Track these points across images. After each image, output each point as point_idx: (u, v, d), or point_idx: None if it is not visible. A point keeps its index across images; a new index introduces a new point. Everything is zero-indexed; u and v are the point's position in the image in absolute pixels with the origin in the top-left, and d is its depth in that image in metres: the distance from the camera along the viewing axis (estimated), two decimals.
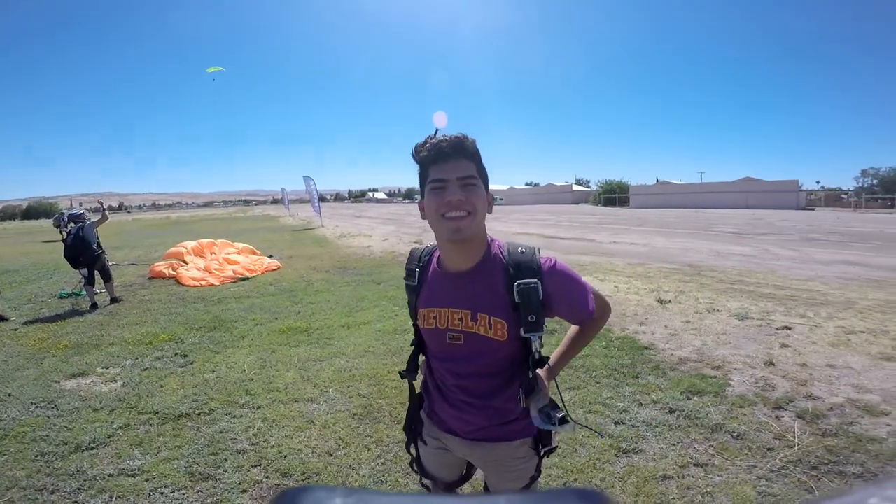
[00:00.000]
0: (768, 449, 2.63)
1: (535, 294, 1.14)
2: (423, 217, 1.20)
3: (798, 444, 2.66)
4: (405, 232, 18.58)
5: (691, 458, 2.58)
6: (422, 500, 0.34)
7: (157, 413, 3.33)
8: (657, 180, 51.28)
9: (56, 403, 3.56)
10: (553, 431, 1.28)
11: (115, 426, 3.16)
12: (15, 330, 5.82)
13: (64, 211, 8.38)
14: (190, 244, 10.42)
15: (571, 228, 18.28)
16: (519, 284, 1.15)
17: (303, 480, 2.55)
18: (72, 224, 7.14)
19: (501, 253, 1.21)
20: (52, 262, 11.89)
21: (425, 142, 1.17)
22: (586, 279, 5.06)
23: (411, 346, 1.39)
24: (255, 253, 10.89)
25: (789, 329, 4.61)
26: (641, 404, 3.20)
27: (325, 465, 2.67)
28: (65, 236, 7.14)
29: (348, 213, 41.38)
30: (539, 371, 1.26)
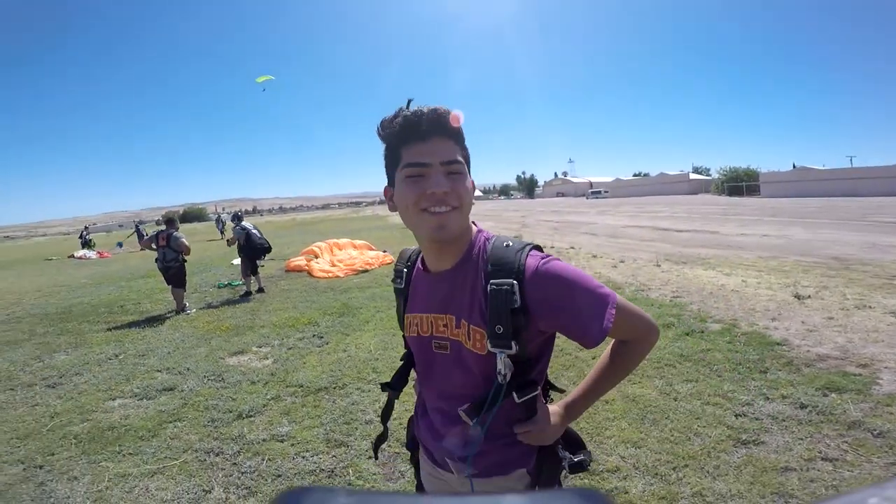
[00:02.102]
0: None
1: (506, 298, 0.89)
2: (393, 209, 1.00)
3: None
4: (504, 227, 18.78)
5: (819, 452, 2.45)
6: (422, 501, 0.34)
7: (301, 386, 3.87)
8: (794, 166, 44.70)
9: (223, 377, 4.26)
10: (563, 473, 1.08)
11: (268, 397, 3.71)
12: (189, 314, 7.11)
13: (219, 213, 10.08)
14: (323, 244, 11.76)
15: (690, 220, 16.88)
16: (491, 285, 0.91)
17: None
18: (231, 224, 8.57)
19: (485, 248, 0.98)
20: (209, 258, 14.13)
21: (395, 115, 0.93)
22: (708, 273, 4.84)
23: (401, 360, 1.20)
24: (371, 248, 11.89)
25: None
26: (768, 398, 3.04)
27: None
28: (223, 236, 8.58)
29: None
30: (554, 407, 1.05)
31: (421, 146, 0.91)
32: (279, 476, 2.64)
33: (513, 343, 0.89)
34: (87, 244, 23.90)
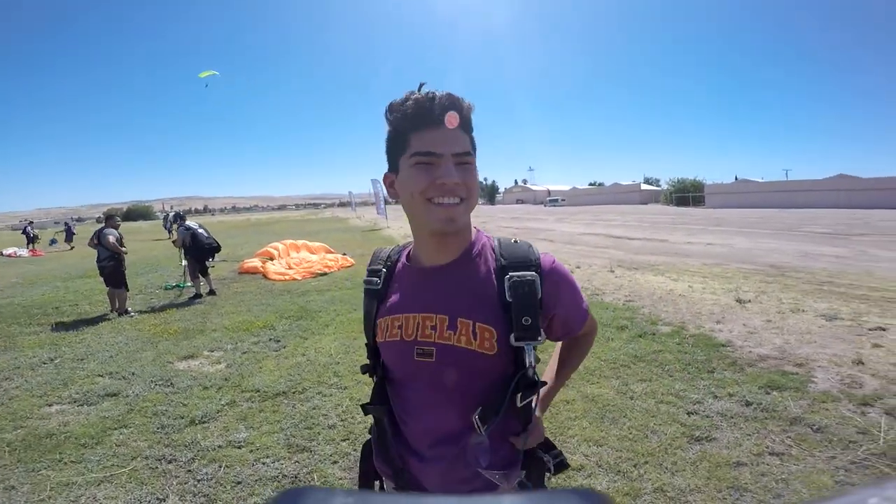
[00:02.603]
0: (850, 442, 2.58)
1: (532, 289, 0.88)
2: (393, 196, 0.96)
3: (884, 439, 2.57)
4: None
5: (767, 447, 2.59)
6: (422, 500, 0.34)
7: (258, 391, 3.73)
8: (736, 178, 47.79)
9: (172, 382, 4.04)
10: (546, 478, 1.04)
11: (222, 402, 3.56)
12: (132, 317, 6.70)
13: (168, 212, 9.64)
14: (281, 246, 11.44)
15: (642, 229, 17.65)
16: (512, 277, 0.89)
17: None
18: (176, 224, 8.21)
19: (491, 244, 0.97)
20: (155, 258, 13.39)
21: (406, 98, 0.87)
22: (658, 279, 5.05)
23: (366, 373, 1.07)
24: (330, 251, 11.65)
25: (884, 330, 4.31)
26: (716, 397, 3.20)
27: None
28: (171, 235, 8.19)
29: None
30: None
31: (434, 134, 0.85)
32: (239, 483, 2.54)
33: (541, 333, 0.89)
34: (32, 240, 22.39)
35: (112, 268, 6.92)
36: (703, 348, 4.10)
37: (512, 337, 0.87)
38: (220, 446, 2.93)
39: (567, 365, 1.13)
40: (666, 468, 2.46)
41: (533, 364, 0.89)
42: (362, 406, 1.06)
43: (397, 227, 23.16)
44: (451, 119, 0.85)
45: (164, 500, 2.42)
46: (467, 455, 0.91)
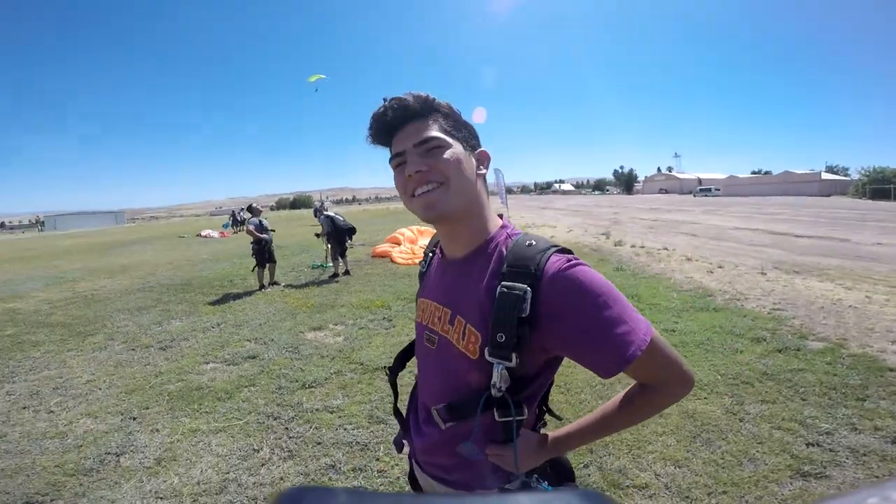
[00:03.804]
0: None
1: (515, 304, 0.79)
2: None
3: None
4: (591, 224, 17.85)
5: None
6: (422, 500, 0.34)
7: (361, 364, 4.11)
8: None
9: (298, 349, 4.69)
10: None
11: (331, 371, 4.03)
12: (283, 291, 7.86)
13: (316, 204, 11.29)
14: (408, 232, 12.31)
15: (815, 224, 14.74)
16: (502, 287, 0.81)
17: None
18: (321, 214, 9.58)
19: (506, 244, 0.89)
20: (308, 242, 15.37)
21: (373, 115, 0.92)
22: (824, 286, 4.30)
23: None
24: None
25: None
26: (856, 429, 2.66)
27: None
28: (321, 224, 9.52)
29: (534, 204, 41.83)
30: (538, 434, 0.94)
31: (396, 136, 0.89)
32: (319, 444, 2.86)
33: (514, 355, 0.79)
34: (239, 223, 27.86)
35: (256, 250, 8.24)
36: (862, 371, 3.34)
37: (486, 350, 0.82)
38: (317, 409, 3.33)
39: (613, 416, 0.90)
40: (745, 502, 2.11)
41: (500, 385, 0.82)
42: (385, 367, 1.17)
43: (519, 217, 23.00)
44: (417, 99, 0.88)
45: (259, 451, 2.83)
46: (452, 450, 0.92)
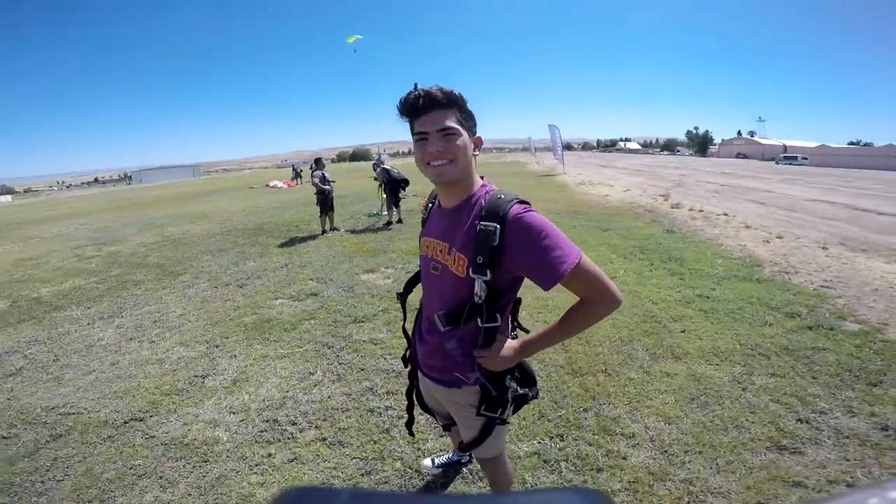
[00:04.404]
0: None
1: (489, 237, 1.13)
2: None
3: None
4: (653, 184, 17.12)
5: (852, 477, 2.19)
6: (422, 500, 0.35)
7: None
8: None
9: (353, 288, 5.31)
10: (507, 403, 1.32)
11: (379, 308, 4.59)
12: (342, 236, 8.60)
13: (374, 157, 11.90)
14: None
15: None
16: (479, 224, 1.16)
17: None
18: (377, 167, 10.22)
19: (485, 197, 1.23)
20: (366, 192, 16.08)
21: (406, 97, 1.21)
22: (891, 267, 4.72)
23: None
24: None
25: None
26: (851, 412, 2.69)
27: None
28: (377, 176, 10.16)
29: (594, 161, 40.10)
30: (512, 342, 1.28)
31: (423, 119, 1.19)
32: (362, 370, 3.39)
33: (488, 272, 1.15)
34: (298, 175, 30.79)
35: (320, 199, 9.01)
36: (888, 358, 3.31)
37: (469, 269, 1.17)
38: (364, 341, 3.88)
39: (561, 324, 1.23)
40: (716, 465, 2.28)
41: (480, 294, 1.18)
42: (397, 293, 1.56)
43: (575, 174, 22.46)
44: (443, 95, 1.18)
45: (314, 374, 3.40)
46: (443, 350, 1.31)
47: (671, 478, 2.21)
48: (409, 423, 1.70)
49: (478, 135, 1.28)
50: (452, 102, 1.19)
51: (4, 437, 2.85)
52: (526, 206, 1.19)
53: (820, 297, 4.65)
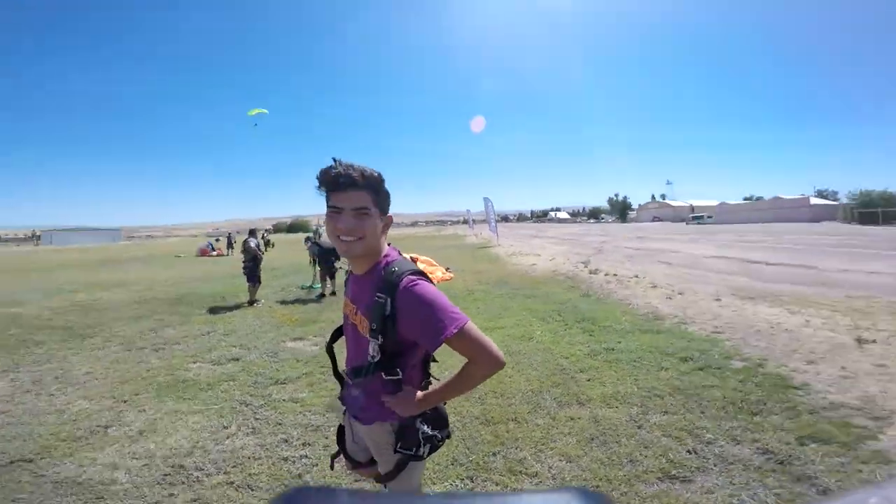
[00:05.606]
0: None
1: (382, 308, 1.26)
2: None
3: None
4: (576, 252, 18.28)
5: (739, 500, 2.39)
6: (422, 500, 0.35)
7: (329, 368, 4.63)
8: None
9: (278, 354, 5.25)
10: (420, 443, 1.40)
11: (302, 372, 4.57)
12: (270, 307, 8.38)
13: (317, 227, 12.09)
14: None
15: (792, 252, 15.23)
16: (376, 295, 1.28)
17: None
18: (309, 241, 10.49)
19: (386, 267, 1.32)
20: (301, 265, 15.88)
21: (327, 171, 1.27)
22: (771, 311, 5.45)
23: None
24: (431, 264, 12.74)
25: None
26: (736, 440, 2.96)
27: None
28: (308, 250, 10.33)
29: (526, 232, 42.37)
30: (420, 393, 1.38)
31: (340, 195, 1.26)
32: (280, 424, 3.37)
33: (380, 336, 1.27)
34: (231, 245, 29.14)
35: (249, 268, 8.89)
36: (767, 389, 3.73)
37: (369, 332, 1.31)
38: (283, 400, 3.85)
39: (454, 380, 1.34)
40: (613, 497, 2.43)
41: (374, 355, 1.30)
42: (327, 343, 1.62)
43: (508, 245, 23.56)
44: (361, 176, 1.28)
45: (227, 428, 3.33)
46: (351, 398, 1.48)
47: None
48: (335, 455, 1.72)
49: (389, 214, 1.38)
50: (369, 185, 1.27)
51: None
52: (416, 277, 1.28)
53: (711, 342, 5.17)
